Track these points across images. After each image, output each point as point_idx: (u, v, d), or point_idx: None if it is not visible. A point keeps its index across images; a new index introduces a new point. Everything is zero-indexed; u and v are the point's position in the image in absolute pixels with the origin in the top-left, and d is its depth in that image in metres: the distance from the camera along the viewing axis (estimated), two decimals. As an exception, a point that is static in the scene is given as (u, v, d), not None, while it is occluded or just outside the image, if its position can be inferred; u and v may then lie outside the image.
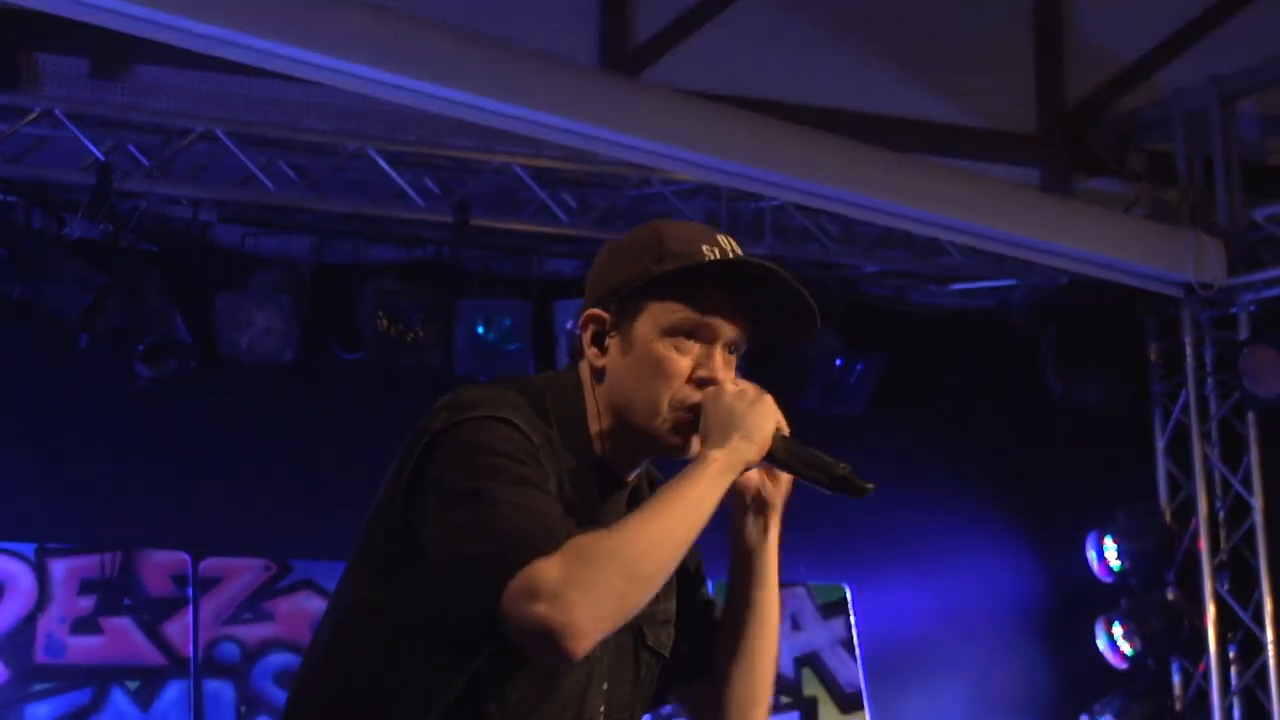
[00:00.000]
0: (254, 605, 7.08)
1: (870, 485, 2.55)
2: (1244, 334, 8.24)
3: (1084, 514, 8.32)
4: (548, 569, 2.27)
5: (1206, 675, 8.30)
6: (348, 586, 2.56)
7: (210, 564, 7.02)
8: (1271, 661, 8.24)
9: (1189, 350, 8.42)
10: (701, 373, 2.54)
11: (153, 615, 6.93)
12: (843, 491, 2.57)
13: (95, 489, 6.87)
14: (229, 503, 6.98)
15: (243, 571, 7.09)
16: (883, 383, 7.75)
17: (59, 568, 6.82)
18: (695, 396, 2.53)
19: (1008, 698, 8.23)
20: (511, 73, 6.28)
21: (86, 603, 6.84)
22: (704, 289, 2.53)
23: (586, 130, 6.49)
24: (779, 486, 2.66)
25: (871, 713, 7.81)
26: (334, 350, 7.21)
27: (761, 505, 2.66)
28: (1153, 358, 8.59)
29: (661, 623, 2.70)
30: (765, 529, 2.68)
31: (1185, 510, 8.46)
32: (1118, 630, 8.18)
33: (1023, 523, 8.33)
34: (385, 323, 7.05)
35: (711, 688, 2.74)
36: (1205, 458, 8.43)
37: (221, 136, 6.84)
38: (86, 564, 6.88)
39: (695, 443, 2.54)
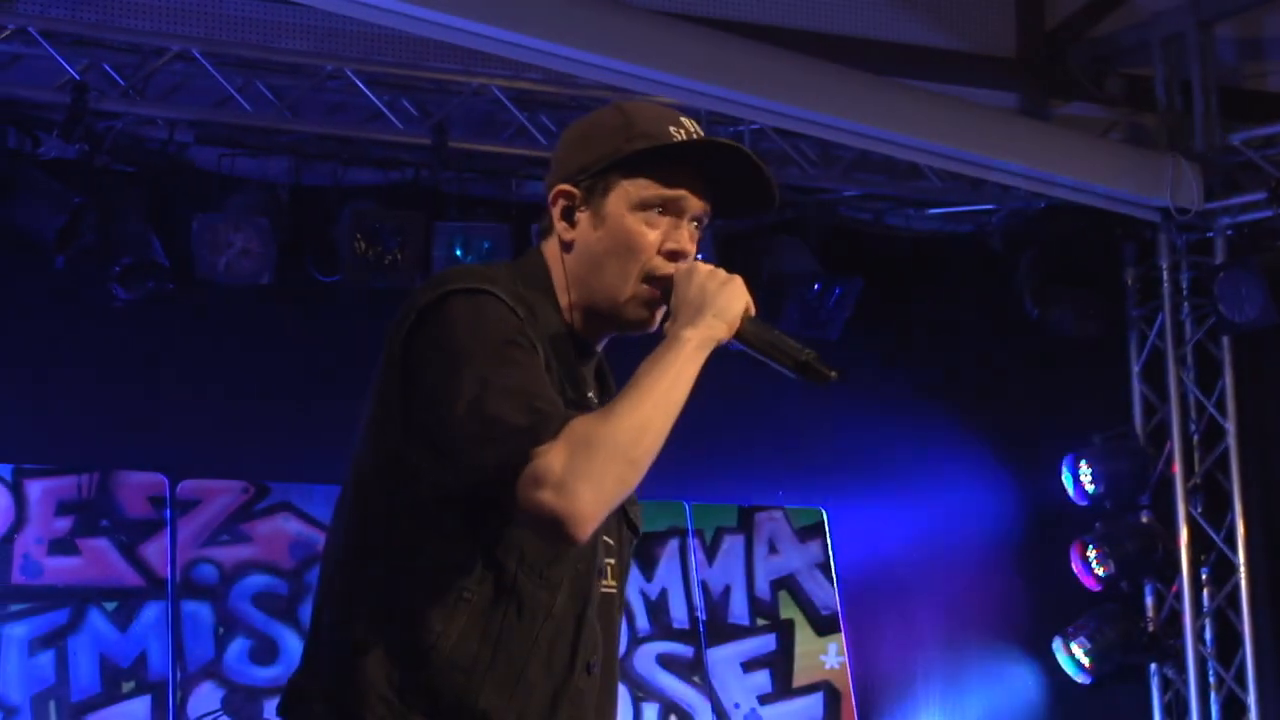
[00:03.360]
0: (232, 527, 7.08)
1: (834, 373, 2.65)
2: (1220, 258, 8.27)
3: (1059, 438, 8.36)
4: (553, 458, 2.40)
5: (1179, 597, 8.38)
6: (356, 477, 2.65)
7: (188, 486, 7.02)
8: (1243, 583, 8.33)
9: (1165, 275, 8.44)
10: (670, 245, 2.67)
11: (130, 536, 6.92)
12: (806, 377, 2.67)
13: (72, 410, 6.85)
14: (206, 425, 6.97)
15: (220, 493, 7.09)
16: (859, 307, 7.75)
17: (36, 488, 6.81)
18: (666, 268, 2.67)
19: (983, 620, 8.29)
20: (490, -7, 6.25)
21: (64, 524, 6.84)
22: (673, 166, 2.67)
23: (566, 53, 6.46)
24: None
25: (847, 635, 7.86)
26: (311, 272, 7.19)
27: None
28: (1129, 282, 8.61)
29: (632, 502, 2.82)
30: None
31: (1160, 434, 8.51)
32: (1092, 553, 8.24)
33: (999, 446, 8.37)
34: (363, 245, 7.02)
35: None
36: (1180, 382, 8.48)
37: (198, 56, 6.79)
38: (63, 485, 6.87)
39: (657, 317, 2.68)
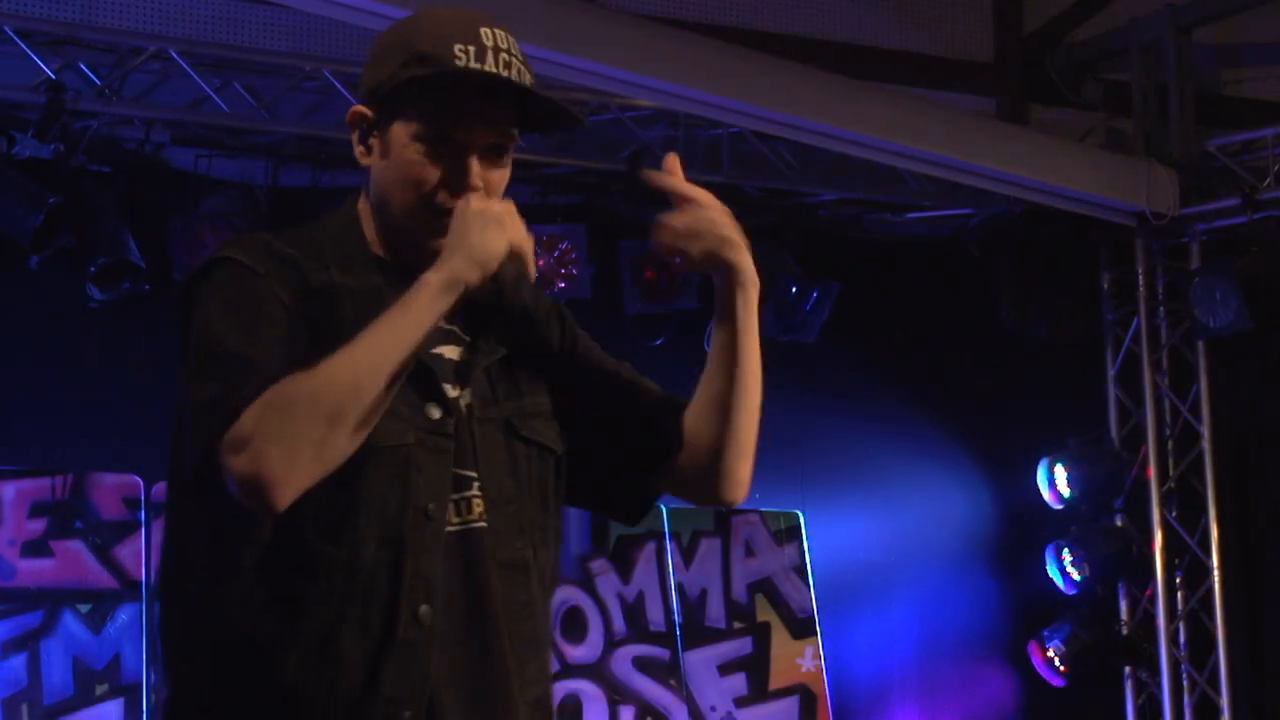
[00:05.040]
0: (206, 529, 7.05)
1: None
2: (1195, 264, 8.29)
3: (1035, 441, 8.38)
4: (245, 419, 2.25)
5: (1153, 600, 8.40)
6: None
7: (163, 487, 6.97)
8: (1217, 587, 8.35)
9: (1141, 279, 8.46)
10: (453, 179, 2.46)
11: (104, 538, 6.89)
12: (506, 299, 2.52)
13: (46, 411, 6.81)
14: (182, 426, 6.93)
15: (195, 495, 7.06)
16: (837, 310, 7.76)
17: (9, 490, 6.78)
18: (448, 203, 2.46)
19: (959, 623, 8.31)
20: (468, -5, 6.23)
21: (37, 525, 6.80)
22: (452, 96, 2.46)
23: (542, 54, 6.44)
24: (728, 254, 2.57)
25: (824, 639, 7.87)
26: (288, 274, 7.16)
27: (723, 273, 2.58)
28: (1105, 286, 8.63)
29: (533, 415, 2.62)
30: (734, 290, 2.60)
31: (1135, 438, 8.53)
32: (1067, 556, 8.26)
33: (975, 450, 8.38)
34: (340, 246, 7.00)
35: (689, 456, 2.67)
36: (1155, 386, 8.50)
37: (175, 56, 6.75)
38: (37, 486, 6.84)
39: None
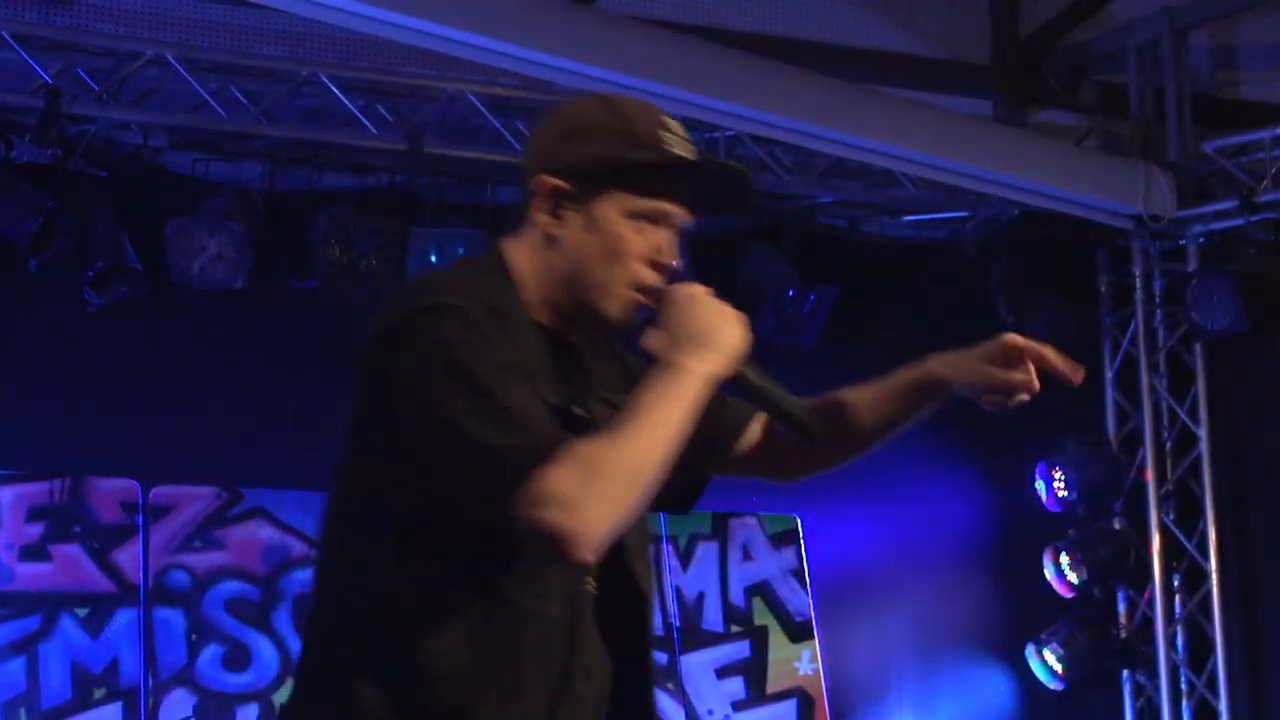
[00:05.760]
0: (204, 533, 7.06)
1: (816, 434, 2.74)
2: (1192, 266, 8.30)
3: (1032, 444, 8.37)
4: (559, 478, 2.38)
5: (1151, 604, 8.40)
6: (339, 495, 2.64)
7: (160, 492, 7.00)
8: (1215, 590, 8.35)
9: (1138, 282, 8.47)
10: (658, 256, 2.65)
11: (102, 543, 6.90)
12: (790, 429, 2.73)
13: (45, 415, 6.82)
14: (180, 430, 6.94)
15: (193, 499, 7.07)
16: (835, 313, 7.76)
17: (7, 494, 6.78)
18: (651, 278, 2.64)
19: (956, 626, 8.31)
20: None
21: (35, 529, 6.81)
22: (668, 179, 2.66)
23: (542, 59, 6.45)
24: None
25: (821, 642, 7.87)
26: (286, 278, 7.17)
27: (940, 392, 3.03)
28: (1102, 289, 8.63)
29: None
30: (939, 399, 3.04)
31: (1132, 441, 8.54)
32: (1065, 560, 8.26)
33: (972, 453, 8.37)
34: (338, 250, 7.00)
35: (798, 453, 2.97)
36: (1153, 389, 8.50)
37: (172, 61, 6.76)
38: (35, 491, 6.84)
39: (655, 337, 2.61)
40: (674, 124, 2.69)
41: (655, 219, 2.65)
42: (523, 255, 2.68)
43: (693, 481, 2.94)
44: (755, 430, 2.98)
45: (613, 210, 2.63)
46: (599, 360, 2.77)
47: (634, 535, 2.71)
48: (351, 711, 2.54)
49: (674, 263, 2.67)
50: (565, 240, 2.64)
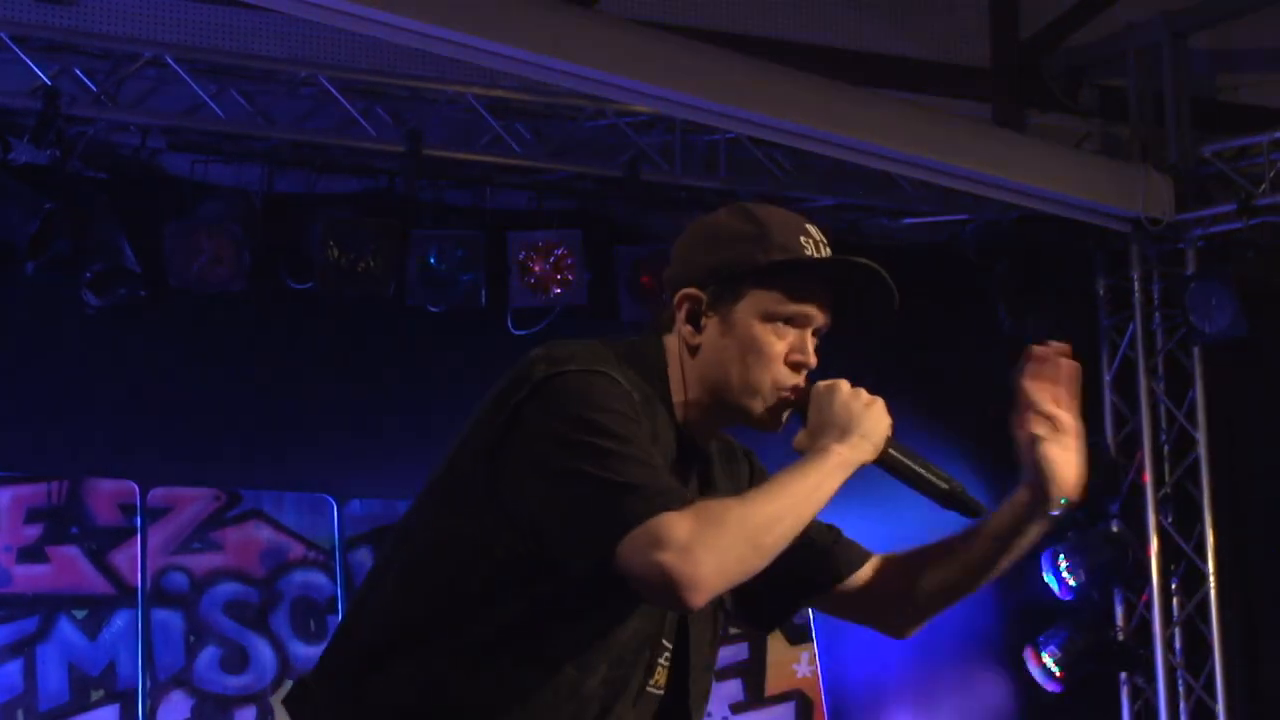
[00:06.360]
0: (202, 535, 7.06)
1: (983, 508, 2.85)
2: (1191, 269, 8.30)
3: (1031, 447, 8.35)
4: (678, 523, 2.42)
5: (1149, 606, 8.40)
6: (426, 519, 2.66)
7: (159, 493, 6.99)
8: (1212, 593, 8.36)
9: (1136, 285, 8.47)
10: (796, 356, 2.71)
11: (100, 544, 6.90)
12: (949, 507, 2.86)
13: (42, 417, 6.82)
14: (178, 432, 6.94)
15: (192, 501, 7.07)
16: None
17: (5, 495, 6.78)
18: (791, 379, 2.71)
19: (954, 629, 8.28)
20: (466, 1, 6.24)
21: (33, 531, 6.81)
22: (804, 280, 2.71)
23: (541, 61, 6.45)
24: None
25: (819, 645, 7.87)
26: (284, 280, 7.16)
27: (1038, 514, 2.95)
28: (1101, 292, 8.63)
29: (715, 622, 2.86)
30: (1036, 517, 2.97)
31: (1130, 443, 8.53)
32: (1063, 562, 8.26)
33: (970, 455, 8.35)
34: (336, 252, 7.00)
35: (898, 592, 3.09)
36: (1151, 392, 8.50)
37: (171, 62, 6.76)
38: (33, 492, 6.84)
39: (783, 422, 2.72)
40: (815, 231, 2.74)
41: (792, 320, 2.70)
42: (671, 356, 2.74)
43: (784, 606, 2.99)
44: (865, 573, 3.05)
45: (748, 313, 2.69)
46: (727, 475, 2.82)
47: (705, 654, 2.79)
48: (363, 708, 2.59)
49: (811, 363, 2.72)
50: (705, 347, 2.71)
